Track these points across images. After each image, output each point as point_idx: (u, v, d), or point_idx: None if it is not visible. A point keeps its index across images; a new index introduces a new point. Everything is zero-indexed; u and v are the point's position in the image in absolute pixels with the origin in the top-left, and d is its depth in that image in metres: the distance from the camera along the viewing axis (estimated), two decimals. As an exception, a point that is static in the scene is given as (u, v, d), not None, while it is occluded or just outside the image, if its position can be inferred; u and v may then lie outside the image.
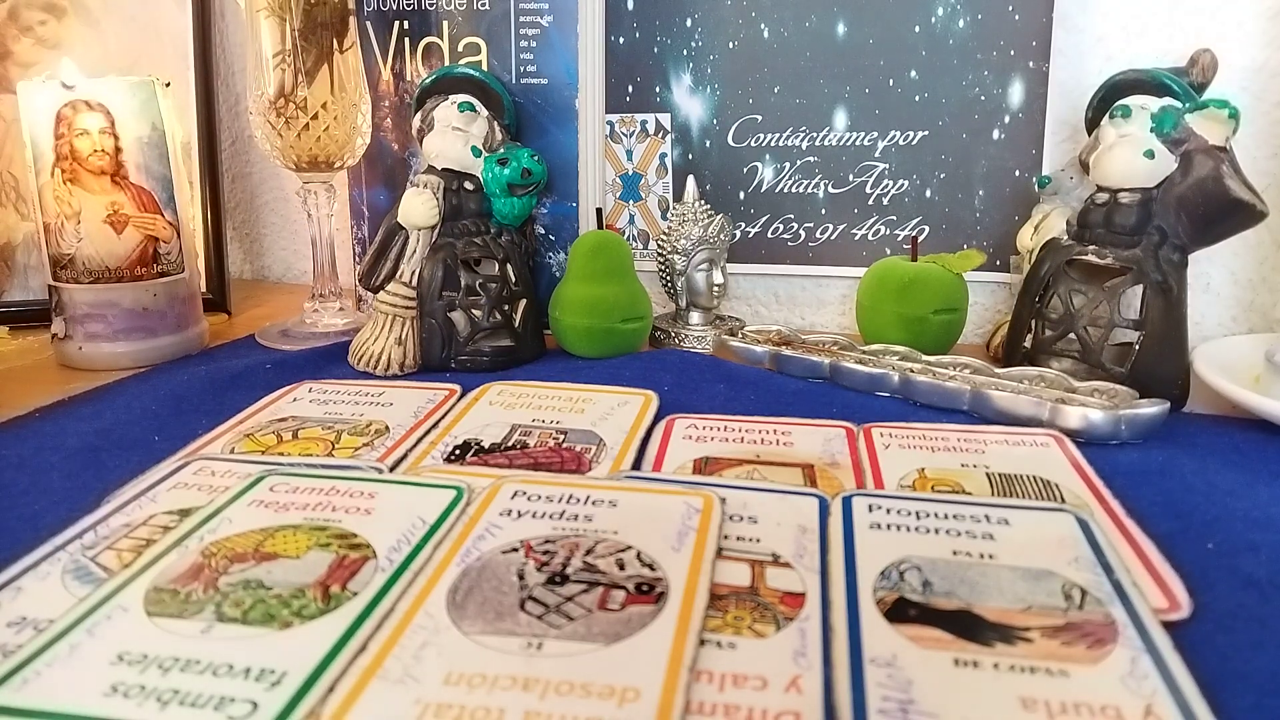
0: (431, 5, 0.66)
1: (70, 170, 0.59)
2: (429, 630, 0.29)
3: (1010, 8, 0.64)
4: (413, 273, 0.60)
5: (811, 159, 0.71)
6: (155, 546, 0.34)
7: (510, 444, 0.46)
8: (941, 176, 0.68)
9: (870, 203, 0.70)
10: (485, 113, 0.62)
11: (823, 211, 0.71)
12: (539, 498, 0.38)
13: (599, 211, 0.65)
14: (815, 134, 0.70)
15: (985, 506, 0.37)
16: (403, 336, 0.59)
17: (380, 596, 0.31)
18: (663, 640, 0.28)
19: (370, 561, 0.33)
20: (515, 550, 0.34)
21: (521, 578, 0.32)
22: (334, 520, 0.36)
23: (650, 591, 0.31)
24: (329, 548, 0.34)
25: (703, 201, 0.67)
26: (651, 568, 0.32)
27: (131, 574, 0.33)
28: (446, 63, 0.67)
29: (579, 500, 0.38)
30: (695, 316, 0.68)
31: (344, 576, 0.32)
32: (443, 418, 0.50)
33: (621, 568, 0.32)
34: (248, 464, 0.43)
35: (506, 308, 0.61)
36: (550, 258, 0.69)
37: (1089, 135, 0.57)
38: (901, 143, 0.69)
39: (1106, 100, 0.55)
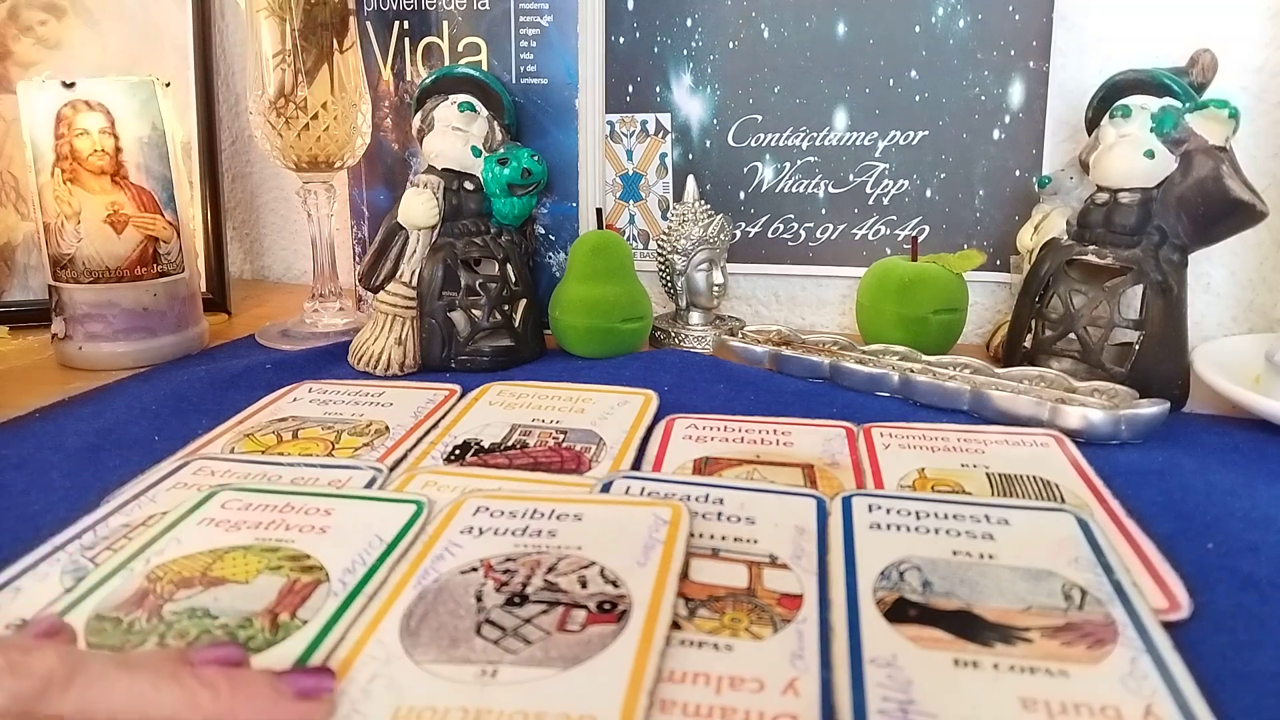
0: (431, 5, 0.66)
1: (70, 170, 0.59)
2: (380, 660, 0.28)
3: (1010, 8, 0.64)
4: (413, 273, 0.60)
5: (811, 159, 0.71)
6: (100, 569, 0.33)
7: (510, 444, 0.46)
8: (941, 176, 0.68)
9: (870, 203, 0.70)
10: (485, 113, 0.62)
11: (823, 211, 0.71)
12: (502, 513, 0.36)
13: (599, 211, 0.65)
14: (815, 134, 0.70)
15: (985, 506, 0.37)
16: (403, 336, 0.59)
17: (331, 624, 0.30)
18: (623, 663, 0.27)
19: (323, 585, 0.32)
20: (474, 570, 0.32)
21: (479, 600, 0.31)
22: (287, 540, 0.35)
23: (612, 610, 0.30)
24: (280, 570, 0.33)
25: (703, 201, 0.67)
26: (615, 584, 0.31)
27: (72, 600, 0.31)
28: (446, 63, 0.66)
29: (543, 515, 0.36)
30: (695, 316, 0.68)
31: (294, 603, 0.31)
32: (443, 418, 0.50)
33: (584, 585, 0.31)
34: (248, 464, 0.43)
35: (506, 308, 0.61)
36: (550, 258, 0.69)
37: (1089, 135, 0.57)
38: (901, 143, 0.69)
39: (1106, 100, 0.55)
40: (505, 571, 0.32)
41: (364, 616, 0.30)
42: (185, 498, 0.38)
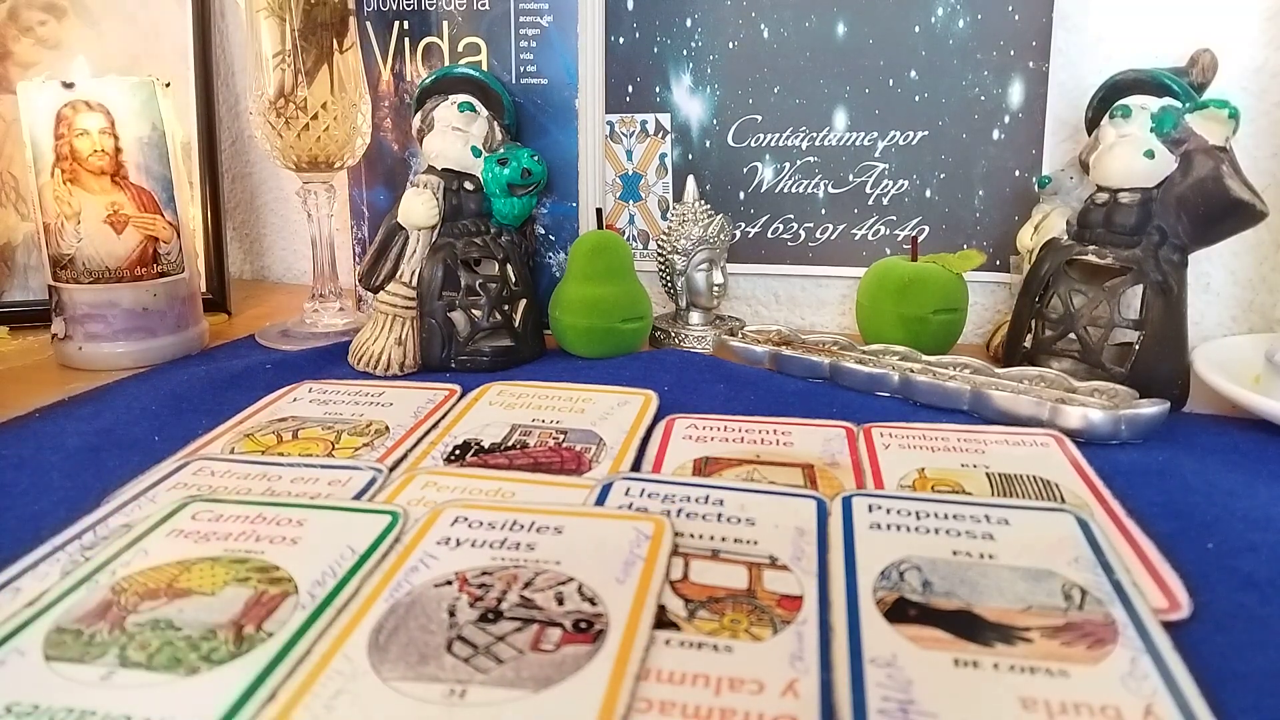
0: (431, 5, 0.66)
1: (70, 170, 0.59)
2: (346, 676, 0.27)
3: (1010, 8, 0.64)
4: (413, 273, 0.60)
5: (811, 159, 0.71)
6: (63, 582, 0.32)
7: (510, 444, 0.46)
8: (941, 176, 0.68)
9: (870, 203, 0.70)
10: (485, 113, 0.62)
11: (823, 211, 0.71)
12: (481, 524, 0.35)
13: (599, 211, 0.65)
14: (815, 134, 0.70)
15: (985, 506, 0.37)
16: (403, 336, 0.59)
17: (297, 637, 0.29)
18: (596, 687, 0.26)
19: (290, 597, 0.31)
20: (449, 584, 0.32)
21: (453, 614, 0.30)
22: (256, 552, 0.34)
23: (589, 629, 0.29)
24: (247, 582, 0.32)
25: (703, 201, 0.67)
26: (593, 602, 0.30)
27: (33, 613, 0.30)
28: (446, 63, 0.67)
29: (523, 527, 0.35)
30: (695, 316, 0.68)
31: (260, 615, 0.30)
32: (443, 418, 0.50)
33: (560, 603, 0.30)
34: (248, 464, 0.43)
35: (506, 308, 0.61)
36: (550, 258, 0.69)
37: (1089, 135, 0.57)
38: (901, 143, 0.69)
39: (1106, 100, 0.55)
40: (480, 586, 0.31)
41: (332, 630, 0.29)
42: (173, 501, 0.38)
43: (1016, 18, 0.64)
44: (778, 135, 0.71)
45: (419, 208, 0.59)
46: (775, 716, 0.26)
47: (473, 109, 0.61)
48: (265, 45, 0.63)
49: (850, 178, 0.70)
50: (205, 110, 0.80)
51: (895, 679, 0.27)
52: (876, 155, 0.69)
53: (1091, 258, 0.53)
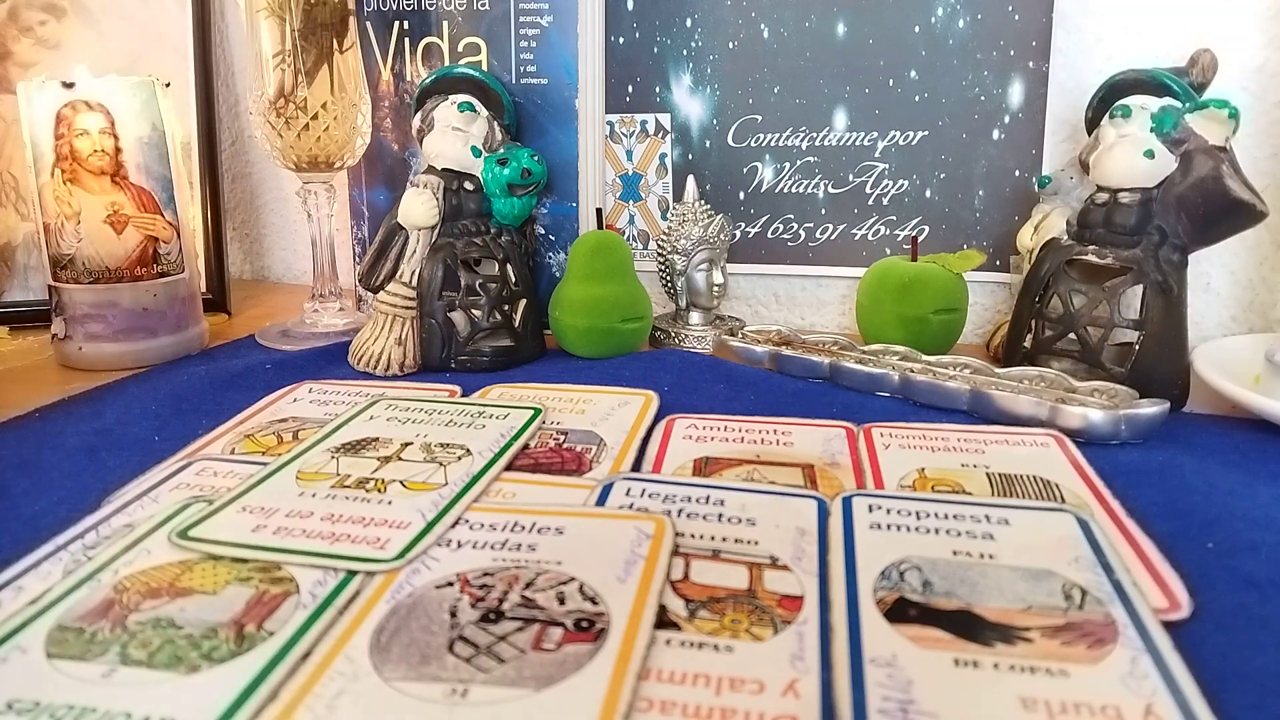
0: (431, 5, 0.66)
1: (70, 170, 0.59)
2: (347, 676, 0.27)
3: (1010, 8, 0.64)
4: (413, 273, 0.60)
5: (811, 159, 0.71)
6: (65, 581, 0.32)
7: (510, 444, 0.46)
8: (941, 176, 0.68)
9: (870, 203, 0.70)
10: (485, 113, 0.62)
11: (823, 211, 0.71)
12: (482, 525, 0.36)
13: (599, 211, 0.65)
14: (815, 134, 0.70)
15: (985, 506, 0.37)
16: (403, 336, 0.59)
17: (298, 637, 0.29)
18: (598, 685, 0.26)
19: (292, 597, 0.31)
20: (450, 585, 0.32)
21: (454, 615, 0.30)
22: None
23: (590, 628, 0.29)
24: (249, 582, 0.32)
25: (703, 201, 0.67)
26: (594, 601, 0.30)
27: (35, 610, 0.30)
28: (446, 63, 0.67)
29: (524, 528, 0.35)
30: (695, 316, 0.68)
31: (261, 614, 0.30)
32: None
33: (561, 602, 0.31)
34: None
35: (506, 308, 0.61)
36: (550, 258, 0.69)
37: (1089, 135, 0.57)
38: (901, 143, 0.69)
39: (1106, 100, 0.55)
40: (482, 587, 0.32)
41: (334, 630, 0.29)
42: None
43: (1016, 18, 0.64)
44: (778, 135, 0.71)
45: (419, 208, 0.59)
46: (776, 716, 0.26)
47: (473, 109, 0.61)
48: (265, 45, 0.63)
49: (850, 178, 0.70)
50: (205, 110, 0.80)
51: (895, 679, 0.27)
52: (876, 155, 0.69)
53: (1091, 258, 0.53)
